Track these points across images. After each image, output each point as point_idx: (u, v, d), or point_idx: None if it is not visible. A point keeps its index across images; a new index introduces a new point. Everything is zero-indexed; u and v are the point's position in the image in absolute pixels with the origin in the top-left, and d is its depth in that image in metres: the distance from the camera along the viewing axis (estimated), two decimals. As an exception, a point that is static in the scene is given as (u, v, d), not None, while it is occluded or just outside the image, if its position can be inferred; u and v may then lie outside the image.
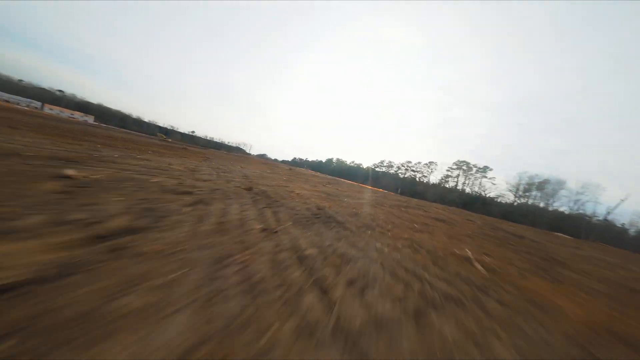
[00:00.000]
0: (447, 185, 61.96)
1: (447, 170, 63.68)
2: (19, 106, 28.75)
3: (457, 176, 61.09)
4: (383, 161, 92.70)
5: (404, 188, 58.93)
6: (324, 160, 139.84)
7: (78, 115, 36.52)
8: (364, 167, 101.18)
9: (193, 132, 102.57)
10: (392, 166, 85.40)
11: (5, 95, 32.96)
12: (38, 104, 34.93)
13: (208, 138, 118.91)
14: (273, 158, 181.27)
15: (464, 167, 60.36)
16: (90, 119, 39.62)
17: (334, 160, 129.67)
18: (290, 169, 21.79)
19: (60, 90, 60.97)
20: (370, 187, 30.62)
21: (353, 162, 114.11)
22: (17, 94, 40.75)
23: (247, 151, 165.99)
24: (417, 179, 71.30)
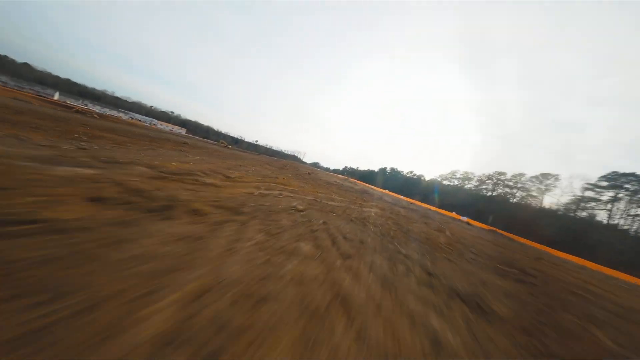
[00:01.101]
0: (580, 215, 35.51)
1: (591, 190, 35.89)
2: (143, 123, 42.76)
3: (613, 200, 33.94)
4: (455, 172, 66.73)
5: (495, 213, 36.32)
6: (376, 170, 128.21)
7: (176, 129, 50.54)
8: (426, 179, 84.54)
9: (256, 141, 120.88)
10: (470, 179, 60.68)
11: (139, 116, 49.31)
12: (155, 121, 50.40)
13: (267, 146, 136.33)
14: (325, 167, 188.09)
15: (629, 186, 33.10)
16: (183, 131, 53.76)
17: (388, 169, 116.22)
18: (309, 173, 13.76)
19: (171, 112, 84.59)
20: (432, 209, 20.44)
21: (412, 172, 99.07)
22: (147, 115, 60.24)
23: (302, 159, 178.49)
24: (515, 199, 46.75)
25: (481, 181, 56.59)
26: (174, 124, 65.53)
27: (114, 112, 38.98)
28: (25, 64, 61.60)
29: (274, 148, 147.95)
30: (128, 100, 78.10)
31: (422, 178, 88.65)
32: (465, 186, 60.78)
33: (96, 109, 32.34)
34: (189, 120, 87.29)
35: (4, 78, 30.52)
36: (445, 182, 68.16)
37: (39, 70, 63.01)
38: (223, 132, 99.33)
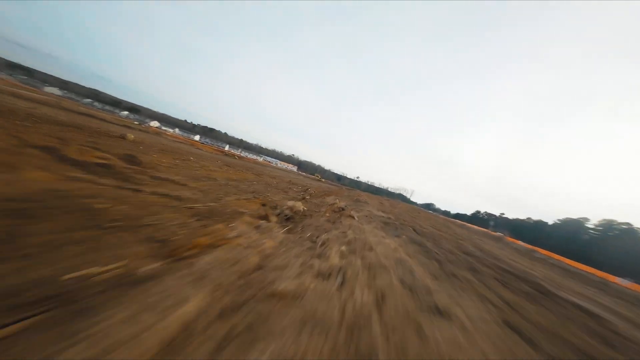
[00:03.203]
0: None
1: None
2: (271, 163, 59.86)
3: None
4: None
5: None
6: (549, 222, 69.40)
7: (289, 166, 65.99)
8: None
9: (358, 177, 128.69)
10: None
11: (269, 158, 69.40)
12: (277, 161, 68.68)
13: (369, 183, 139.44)
14: (443, 209, 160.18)
15: None
16: (294, 168, 68.86)
17: (592, 223, 55.29)
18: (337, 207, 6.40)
19: (292, 154, 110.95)
20: None
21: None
22: (276, 158, 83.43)
23: (409, 197, 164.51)
24: None
25: None
26: (292, 163, 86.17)
27: (254, 156, 57.96)
28: (225, 133, 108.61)
29: (376, 185, 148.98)
30: (268, 148, 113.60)
31: None
32: None
33: (244, 154, 50.41)
34: (303, 161, 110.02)
35: (208, 139, 56.16)
36: None
37: (230, 136, 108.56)
38: (327, 169, 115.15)
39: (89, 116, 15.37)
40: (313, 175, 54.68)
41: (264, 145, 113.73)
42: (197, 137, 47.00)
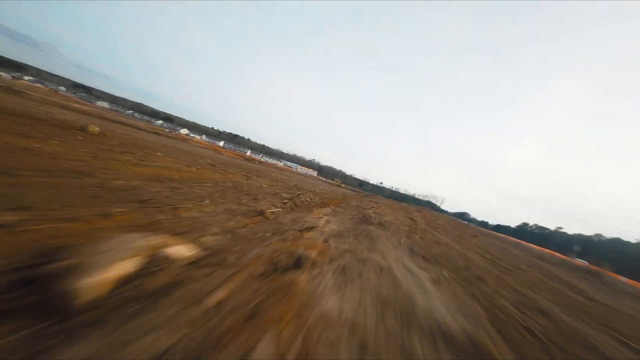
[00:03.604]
0: None
1: None
2: (291, 168, 60.85)
3: None
4: None
5: None
6: (632, 241, 52.64)
7: (309, 171, 66.51)
8: None
9: (381, 183, 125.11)
10: None
11: (289, 163, 70.77)
12: (298, 166, 69.63)
13: (394, 189, 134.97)
14: (480, 219, 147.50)
15: None
16: (314, 173, 69.19)
17: None
18: None
19: (313, 159, 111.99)
20: None
21: None
22: (296, 163, 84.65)
23: (439, 205, 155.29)
24: None
25: None
26: (312, 168, 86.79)
27: (274, 161, 59.49)
28: (248, 139, 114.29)
29: (401, 191, 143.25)
30: (289, 153, 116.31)
31: None
32: None
33: (265, 159, 51.99)
34: (324, 166, 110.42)
35: (231, 145, 59.22)
36: None
37: (253, 142, 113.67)
38: (349, 174, 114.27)
39: (125, 124, 17.02)
40: (333, 180, 54.14)
41: (285, 151, 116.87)
42: (221, 143, 49.77)
